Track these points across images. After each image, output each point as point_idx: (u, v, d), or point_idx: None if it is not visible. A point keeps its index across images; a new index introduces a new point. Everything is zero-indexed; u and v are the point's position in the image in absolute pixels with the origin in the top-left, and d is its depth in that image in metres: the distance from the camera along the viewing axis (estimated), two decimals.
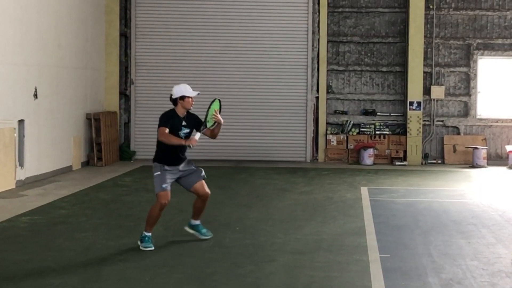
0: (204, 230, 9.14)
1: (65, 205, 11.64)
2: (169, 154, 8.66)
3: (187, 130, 8.74)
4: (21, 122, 13.74)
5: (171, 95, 8.75)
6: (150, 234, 8.68)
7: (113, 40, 18.55)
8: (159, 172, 8.65)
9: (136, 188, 13.68)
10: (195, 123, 8.82)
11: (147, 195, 12.89)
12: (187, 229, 9.17)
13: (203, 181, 8.92)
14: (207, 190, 8.94)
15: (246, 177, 15.59)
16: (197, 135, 8.74)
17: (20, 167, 13.67)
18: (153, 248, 8.55)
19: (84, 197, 12.53)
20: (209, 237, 9.11)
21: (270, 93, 18.97)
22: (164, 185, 8.60)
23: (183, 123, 8.71)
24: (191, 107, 8.76)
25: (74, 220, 10.37)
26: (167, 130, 8.56)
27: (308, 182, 14.77)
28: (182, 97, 8.66)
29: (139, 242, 8.66)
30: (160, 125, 8.60)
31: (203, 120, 8.79)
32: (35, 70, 14.26)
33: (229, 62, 18.89)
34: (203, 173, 8.95)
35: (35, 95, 14.24)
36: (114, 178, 15.06)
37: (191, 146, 8.57)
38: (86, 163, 17.01)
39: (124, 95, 18.90)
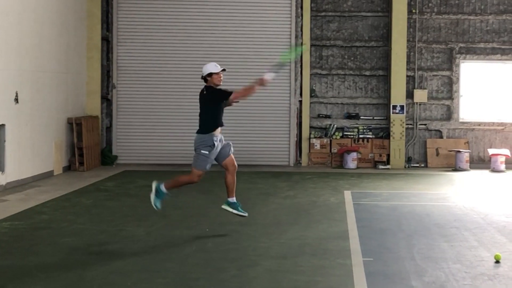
0: (240, 208, 9.92)
1: (46, 210, 11.55)
2: (218, 118, 9.74)
3: None
4: (1, 126, 13.62)
5: (202, 74, 9.78)
6: (167, 192, 9.68)
7: (94, 44, 18.45)
8: (207, 152, 9.54)
9: (118, 193, 13.60)
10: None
11: (129, 199, 12.83)
12: (225, 207, 9.92)
13: (232, 155, 9.79)
14: (235, 163, 9.82)
15: None
16: (270, 75, 9.69)
17: (1, 172, 13.55)
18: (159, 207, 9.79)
19: (66, 202, 12.44)
20: (245, 214, 9.95)
21: (253, 97, 18.81)
22: (207, 166, 9.59)
23: None
24: (220, 83, 9.72)
25: (55, 225, 10.29)
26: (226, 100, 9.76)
27: (291, 186, 14.75)
28: (210, 74, 9.69)
29: (153, 196, 9.71)
30: (226, 92, 9.71)
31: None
32: (16, 74, 14.15)
33: None
34: (231, 147, 9.86)
35: (16, 100, 14.12)
36: (96, 183, 14.97)
37: (265, 84, 9.70)
38: (68, 168, 16.90)
39: (106, 100, 18.80)
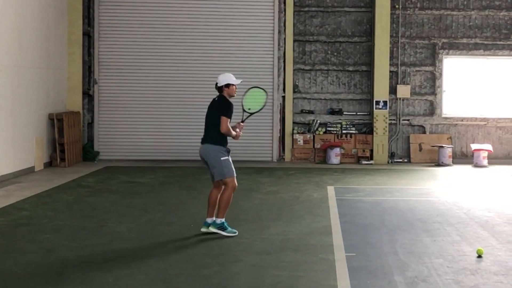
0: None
1: (27, 206, 11.43)
2: (225, 136, 9.46)
3: None
4: None
5: (217, 83, 9.48)
6: (225, 219, 9.31)
7: (76, 39, 18.29)
8: (227, 157, 9.35)
9: (99, 189, 13.50)
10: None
11: (110, 195, 12.74)
12: (210, 229, 9.36)
13: None
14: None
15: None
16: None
17: None
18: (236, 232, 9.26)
19: (47, 198, 12.33)
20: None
21: (236, 92, 18.84)
22: (234, 169, 9.34)
23: None
24: (235, 94, 9.54)
25: (36, 222, 10.19)
26: (229, 122, 9.36)
27: (274, 182, 14.71)
28: (228, 85, 9.45)
29: (219, 231, 9.19)
30: (225, 115, 9.31)
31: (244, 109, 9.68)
32: None
33: (194, 61, 18.75)
34: None
35: None
36: (77, 179, 14.85)
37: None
38: (49, 164, 16.76)
39: (88, 95, 18.67)
